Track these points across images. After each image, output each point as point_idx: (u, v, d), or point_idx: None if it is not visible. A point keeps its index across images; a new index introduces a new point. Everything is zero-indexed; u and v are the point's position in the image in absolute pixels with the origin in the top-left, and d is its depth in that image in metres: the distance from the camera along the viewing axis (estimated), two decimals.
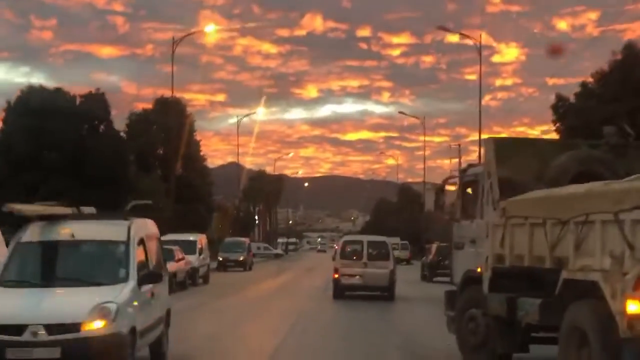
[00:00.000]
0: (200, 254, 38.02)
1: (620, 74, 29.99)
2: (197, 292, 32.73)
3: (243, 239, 56.82)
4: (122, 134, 47.83)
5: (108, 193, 32.30)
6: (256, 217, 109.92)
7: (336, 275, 28.79)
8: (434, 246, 45.12)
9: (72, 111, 31.59)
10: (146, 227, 13.25)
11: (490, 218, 12.90)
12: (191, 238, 38.61)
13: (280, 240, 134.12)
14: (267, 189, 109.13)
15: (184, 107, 52.55)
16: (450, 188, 16.31)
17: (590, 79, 31.51)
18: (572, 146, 13.50)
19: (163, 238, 38.30)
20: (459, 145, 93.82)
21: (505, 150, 13.06)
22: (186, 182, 50.57)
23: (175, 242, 36.43)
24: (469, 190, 14.76)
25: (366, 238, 31.58)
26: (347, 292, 28.81)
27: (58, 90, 32.32)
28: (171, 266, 31.79)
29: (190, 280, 35.28)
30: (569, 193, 10.81)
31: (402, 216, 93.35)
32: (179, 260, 32.99)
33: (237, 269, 52.99)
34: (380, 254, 29.10)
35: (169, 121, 49.82)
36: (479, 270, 13.33)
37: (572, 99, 31.95)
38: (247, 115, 72.88)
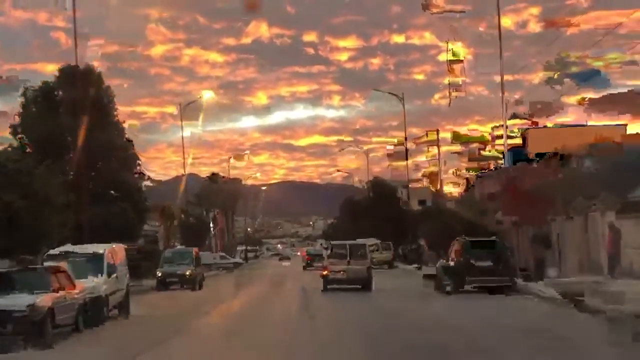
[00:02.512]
0: (111, 274, 23.43)
1: None
2: (86, 346, 18.14)
3: (189, 248, 42.21)
4: (15, 117, 33.52)
5: None
6: (211, 225, 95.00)
7: (325, 272, 33.53)
8: (457, 243, 30.61)
9: None
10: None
11: None
12: (98, 250, 23.93)
13: (239, 248, 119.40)
14: (222, 192, 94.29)
15: (98, 77, 37.56)
16: None
17: None
18: None
19: (53, 251, 23.90)
20: (437, 130, 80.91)
21: None
22: (105, 175, 36.02)
23: (66, 257, 22.11)
24: None
25: (349, 242, 36.63)
26: (334, 285, 32.79)
27: None
28: (41, 301, 17.51)
29: (92, 311, 20.73)
30: None
31: (375, 214, 79.17)
32: (58, 289, 18.40)
33: (181, 288, 38.64)
34: (359, 255, 33.74)
35: (77, 95, 35.29)
36: None
37: None
38: (192, 102, 58.70)
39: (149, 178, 38.28)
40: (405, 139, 68.52)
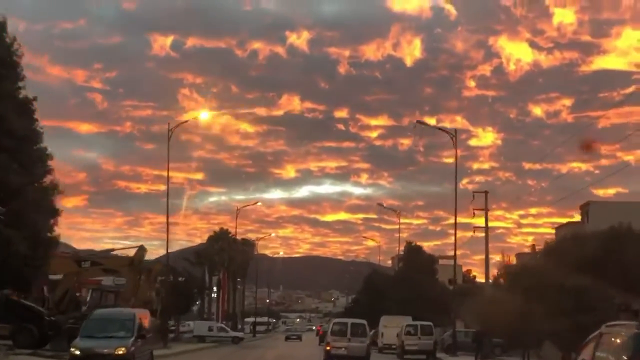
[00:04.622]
0: None
1: None
2: None
3: (128, 311, 26.61)
4: None
5: None
6: (214, 289, 79.17)
7: (328, 347, 34.68)
8: (617, 335, 14.43)
9: None
10: None
11: None
12: None
13: (248, 319, 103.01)
14: (228, 253, 78.56)
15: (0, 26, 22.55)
16: None
17: None
18: None
19: None
20: (486, 192, 65.26)
21: None
22: None
23: None
24: None
25: (350, 320, 38.00)
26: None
27: None
28: None
29: None
30: None
31: (406, 289, 62.95)
32: None
33: None
34: (359, 332, 34.72)
35: None
36: None
37: None
38: (185, 122, 44.57)
39: (62, 192, 22.89)
40: (456, 183, 52.52)
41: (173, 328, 57.97)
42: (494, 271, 62.02)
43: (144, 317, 26.11)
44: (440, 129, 51.63)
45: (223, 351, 46.81)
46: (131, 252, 42.59)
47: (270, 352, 47.14)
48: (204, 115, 46.25)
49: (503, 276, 36.55)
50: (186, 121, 45.36)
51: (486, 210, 63.14)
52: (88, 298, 49.64)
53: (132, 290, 41.00)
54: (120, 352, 23.36)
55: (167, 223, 44.15)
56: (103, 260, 42.14)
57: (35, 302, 38.91)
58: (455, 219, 49.79)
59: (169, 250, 47.26)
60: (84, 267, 41.21)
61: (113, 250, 42.99)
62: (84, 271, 41.95)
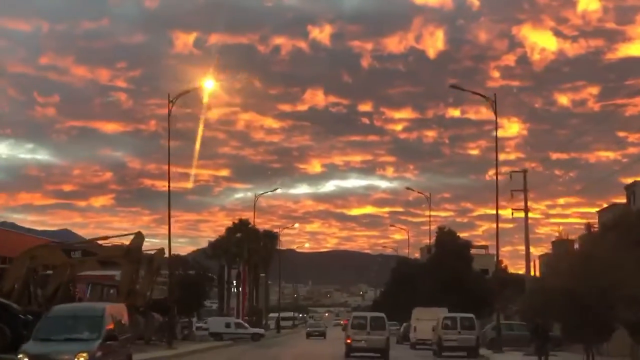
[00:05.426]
0: None
1: None
2: None
3: (94, 306, 21.06)
4: None
5: None
6: (234, 283, 73.61)
7: (348, 341, 35.84)
8: None
9: None
10: None
11: None
12: None
13: (272, 315, 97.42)
14: (249, 245, 72.91)
15: None
16: None
17: None
18: None
19: None
20: (525, 170, 59.08)
21: None
22: None
23: None
24: None
25: (369, 314, 39.23)
26: (355, 353, 35.18)
27: None
28: None
29: None
30: None
31: (438, 277, 56.86)
32: None
33: None
34: (379, 326, 35.58)
35: None
36: None
37: None
38: (188, 92, 39.17)
39: None
40: (497, 152, 46.33)
41: (187, 325, 52.58)
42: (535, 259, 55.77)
43: (120, 313, 20.44)
44: (476, 93, 45.75)
45: (234, 351, 41.18)
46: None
47: (288, 352, 41.35)
48: (208, 84, 40.73)
49: (563, 260, 30.29)
50: (189, 91, 40.02)
51: (525, 190, 57.13)
52: (88, 294, 44.37)
53: (129, 282, 35.52)
54: (80, 358, 17.81)
55: (169, 210, 38.67)
56: (96, 250, 36.67)
57: (18, 299, 33.69)
58: (497, 189, 43.83)
59: (196, 248, 41.81)
60: (74, 257, 35.75)
61: (107, 238, 37.33)
62: (78, 263, 36.51)
